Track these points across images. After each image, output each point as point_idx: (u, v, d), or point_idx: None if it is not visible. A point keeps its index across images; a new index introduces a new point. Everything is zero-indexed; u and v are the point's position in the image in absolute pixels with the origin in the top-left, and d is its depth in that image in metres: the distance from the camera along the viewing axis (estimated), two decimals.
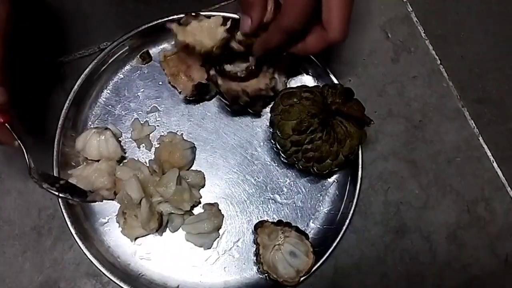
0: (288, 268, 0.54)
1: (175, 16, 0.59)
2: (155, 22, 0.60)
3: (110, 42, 0.61)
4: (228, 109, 0.60)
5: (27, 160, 0.51)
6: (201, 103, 0.61)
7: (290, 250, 0.54)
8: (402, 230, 0.60)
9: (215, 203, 0.58)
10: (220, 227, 0.58)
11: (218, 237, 0.57)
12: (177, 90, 0.60)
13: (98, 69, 0.60)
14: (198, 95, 0.59)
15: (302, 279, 0.54)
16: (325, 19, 0.46)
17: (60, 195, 0.53)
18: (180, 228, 0.57)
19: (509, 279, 0.59)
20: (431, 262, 0.59)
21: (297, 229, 0.55)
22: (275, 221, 0.57)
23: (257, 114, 0.61)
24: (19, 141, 0.49)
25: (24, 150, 0.50)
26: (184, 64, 0.59)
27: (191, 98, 0.59)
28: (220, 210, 0.58)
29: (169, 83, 0.60)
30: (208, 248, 0.57)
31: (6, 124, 0.48)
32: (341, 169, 0.57)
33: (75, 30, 0.64)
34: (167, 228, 0.57)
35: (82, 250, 0.54)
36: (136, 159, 0.59)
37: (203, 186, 0.59)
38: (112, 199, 0.57)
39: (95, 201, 0.57)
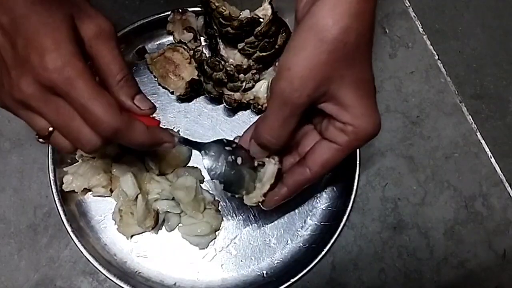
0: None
1: (170, 12, 0.59)
2: (151, 18, 0.60)
3: None
4: (227, 106, 0.59)
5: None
6: (197, 99, 0.61)
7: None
8: (399, 226, 0.60)
9: (215, 201, 0.57)
10: (218, 229, 0.57)
11: (215, 238, 0.57)
12: (169, 91, 0.60)
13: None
14: (191, 92, 0.58)
15: None
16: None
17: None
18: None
19: (506, 274, 0.60)
20: (429, 258, 0.59)
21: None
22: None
23: (257, 112, 0.60)
24: (179, 136, 0.47)
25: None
26: (172, 64, 0.59)
27: (184, 97, 0.59)
28: (219, 211, 0.57)
29: (159, 84, 0.60)
30: (203, 248, 0.57)
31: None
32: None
33: None
34: (163, 227, 0.57)
35: (78, 248, 0.54)
36: (132, 156, 0.59)
37: (201, 183, 0.58)
38: (109, 196, 0.57)
39: None
